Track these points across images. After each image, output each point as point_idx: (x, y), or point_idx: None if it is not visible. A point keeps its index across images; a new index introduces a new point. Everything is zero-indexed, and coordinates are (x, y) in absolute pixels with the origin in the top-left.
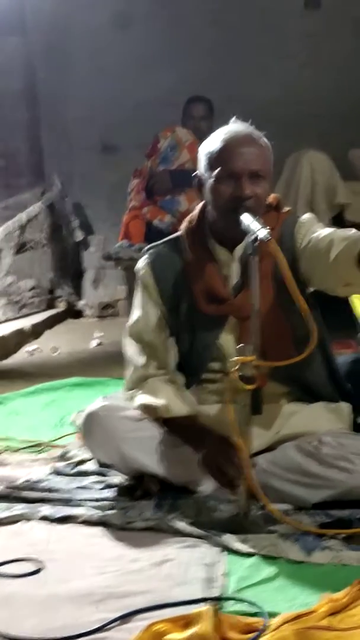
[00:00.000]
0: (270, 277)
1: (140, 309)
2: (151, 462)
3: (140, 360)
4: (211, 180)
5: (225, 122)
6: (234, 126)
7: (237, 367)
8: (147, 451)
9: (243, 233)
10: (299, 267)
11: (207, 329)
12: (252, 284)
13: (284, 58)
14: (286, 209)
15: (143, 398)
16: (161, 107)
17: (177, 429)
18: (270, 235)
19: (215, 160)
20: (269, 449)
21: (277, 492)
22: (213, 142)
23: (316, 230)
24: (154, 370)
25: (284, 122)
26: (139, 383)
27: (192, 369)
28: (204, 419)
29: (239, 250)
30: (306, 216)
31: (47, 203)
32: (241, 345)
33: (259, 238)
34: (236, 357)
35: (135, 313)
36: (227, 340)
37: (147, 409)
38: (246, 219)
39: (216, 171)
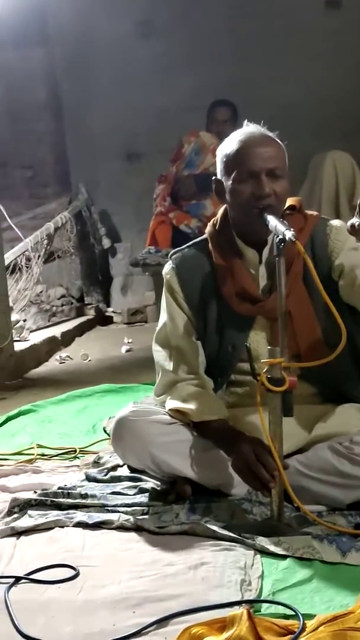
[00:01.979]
0: (301, 278)
1: (167, 314)
2: (183, 465)
3: (169, 365)
4: (230, 182)
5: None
6: (248, 128)
7: (266, 370)
8: (179, 454)
9: (266, 232)
10: (335, 281)
11: (236, 330)
12: (278, 285)
13: (306, 58)
14: (313, 212)
15: (174, 403)
16: (184, 112)
17: (209, 433)
18: (295, 237)
19: (232, 162)
20: (301, 450)
21: (310, 493)
22: (229, 145)
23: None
24: (183, 374)
25: (308, 123)
26: (169, 388)
27: (220, 370)
28: (235, 422)
29: (266, 252)
30: (337, 223)
31: (74, 212)
32: (270, 347)
33: (285, 239)
34: (265, 360)
35: (162, 318)
36: (255, 340)
37: (178, 413)
38: (272, 220)
39: (234, 172)
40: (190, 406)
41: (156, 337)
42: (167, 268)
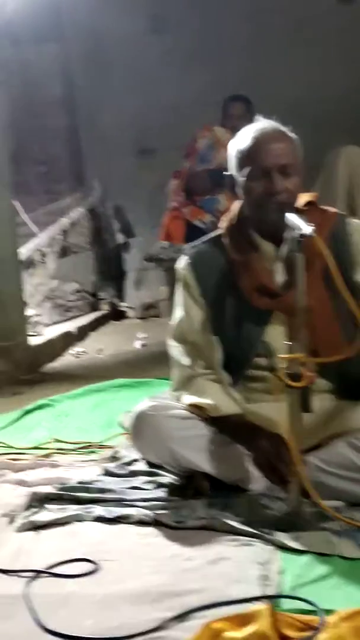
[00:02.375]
0: (320, 274)
1: (183, 310)
2: (201, 460)
3: (186, 360)
4: (243, 179)
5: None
6: (260, 124)
7: (285, 365)
8: (197, 449)
9: (282, 227)
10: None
11: (252, 324)
12: (297, 281)
13: (318, 54)
14: (330, 209)
15: (191, 397)
16: (197, 107)
17: (226, 428)
18: (315, 233)
19: (245, 158)
20: (318, 446)
21: (329, 489)
22: (242, 141)
23: None
24: (200, 369)
25: (319, 119)
26: (186, 383)
27: (237, 365)
28: (253, 418)
29: (283, 247)
30: (358, 222)
31: (88, 207)
32: (289, 342)
33: (304, 235)
34: (284, 355)
35: (178, 314)
36: (272, 335)
37: (196, 408)
38: (290, 217)
39: (247, 169)
40: (208, 401)
41: (172, 333)
42: (182, 263)
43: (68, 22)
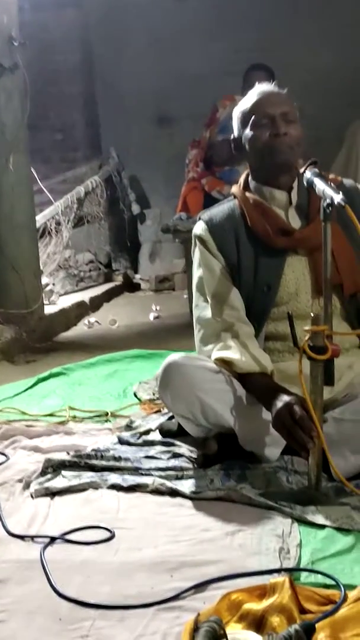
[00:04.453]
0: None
1: (202, 267)
2: (228, 415)
3: (209, 313)
4: (248, 131)
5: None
6: (260, 86)
7: (308, 337)
8: (225, 403)
9: (289, 170)
10: None
11: (270, 270)
12: (324, 249)
13: (342, 24)
14: (337, 177)
15: (219, 353)
16: (217, 77)
17: (251, 387)
18: (345, 202)
19: (249, 112)
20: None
21: (350, 440)
22: (245, 102)
23: None
24: (226, 318)
25: (344, 89)
26: (215, 338)
27: (257, 312)
28: (281, 376)
29: (294, 194)
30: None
31: (104, 177)
32: (314, 314)
33: (335, 203)
34: (308, 327)
35: (197, 273)
36: (290, 279)
37: (223, 363)
38: (319, 184)
39: (252, 120)
40: (236, 356)
41: (194, 292)
42: (197, 225)
43: None
